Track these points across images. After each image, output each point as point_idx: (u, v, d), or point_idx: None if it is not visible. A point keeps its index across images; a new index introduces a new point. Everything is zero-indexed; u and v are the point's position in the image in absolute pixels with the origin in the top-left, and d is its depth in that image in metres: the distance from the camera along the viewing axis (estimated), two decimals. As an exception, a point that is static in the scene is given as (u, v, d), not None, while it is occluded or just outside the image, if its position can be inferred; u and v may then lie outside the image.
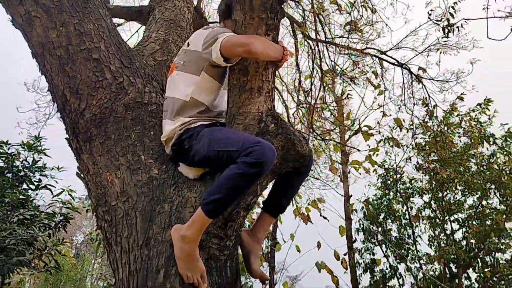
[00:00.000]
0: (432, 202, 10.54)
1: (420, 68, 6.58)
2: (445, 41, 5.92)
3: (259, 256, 2.06)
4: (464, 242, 9.57)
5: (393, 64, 6.43)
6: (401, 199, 10.84)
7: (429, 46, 6.02)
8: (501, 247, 9.07)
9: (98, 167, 2.04)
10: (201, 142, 1.86)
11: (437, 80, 6.03)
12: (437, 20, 4.02)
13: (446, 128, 10.11)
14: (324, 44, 6.28)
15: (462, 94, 9.86)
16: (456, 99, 9.84)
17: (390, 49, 6.50)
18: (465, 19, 3.78)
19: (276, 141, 1.84)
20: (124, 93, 2.16)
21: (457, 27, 3.88)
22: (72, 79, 2.11)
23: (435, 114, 7.83)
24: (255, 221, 2.13)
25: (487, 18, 3.25)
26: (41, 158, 7.67)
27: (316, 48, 6.26)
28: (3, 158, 7.50)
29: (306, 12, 6.01)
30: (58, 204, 7.60)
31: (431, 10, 4.27)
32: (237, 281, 1.93)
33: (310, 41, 6.27)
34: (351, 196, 12.71)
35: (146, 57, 2.52)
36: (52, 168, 7.72)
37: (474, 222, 9.56)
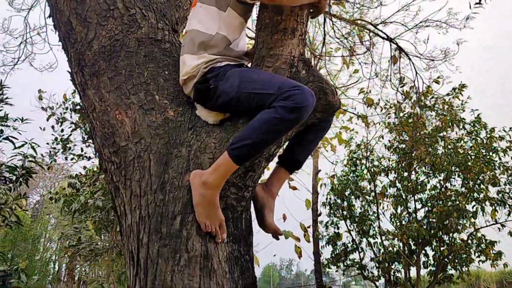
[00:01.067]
0: (397, 182, 10.79)
1: (398, 47, 6.55)
2: (436, 20, 5.89)
3: (273, 211, 1.96)
4: (425, 221, 9.88)
5: (382, 38, 6.39)
6: (368, 176, 11.03)
7: (420, 22, 5.99)
8: (459, 227, 9.42)
9: (106, 105, 1.86)
10: (229, 82, 1.72)
11: (425, 58, 6.04)
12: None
13: (419, 110, 10.27)
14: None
15: (438, 77, 10.00)
16: (432, 81, 10.01)
17: (381, 23, 6.44)
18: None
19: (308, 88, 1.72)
20: (137, 27, 1.97)
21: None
22: (80, 4, 1.90)
23: (412, 94, 7.90)
24: (270, 175, 2.02)
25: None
26: (2, 107, 7.20)
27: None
28: (-38, 106, 7.01)
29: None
30: (19, 157, 7.22)
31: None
32: (251, 234, 1.83)
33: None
34: (320, 171, 12.85)
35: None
36: (16, 119, 7.29)
37: (436, 203, 9.87)
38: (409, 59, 6.55)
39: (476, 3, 3.88)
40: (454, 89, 10.14)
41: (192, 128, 1.80)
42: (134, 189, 1.72)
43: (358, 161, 11.15)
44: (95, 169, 7.77)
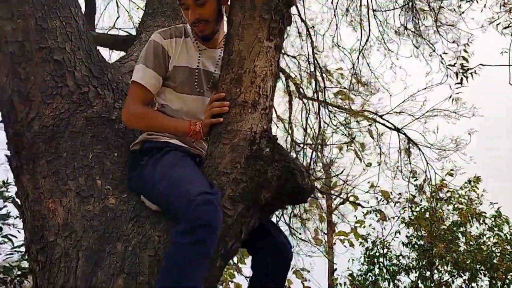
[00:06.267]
0: (419, 282, 10.02)
1: (407, 138, 6.33)
2: (444, 108, 5.77)
3: None
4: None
5: (389, 128, 6.21)
6: (387, 276, 10.28)
7: (427, 111, 5.84)
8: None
9: (40, 192, 1.58)
10: (155, 170, 1.53)
11: (436, 148, 5.79)
12: (450, 65, 3.81)
13: (435, 204, 9.78)
14: (320, 103, 6.04)
15: (451, 170, 9.63)
16: (446, 174, 9.62)
17: (387, 113, 6.32)
18: (482, 64, 3.56)
19: (271, 169, 1.43)
20: (88, 105, 1.76)
21: (471, 73, 3.64)
22: (23, 82, 1.71)
23: (426, 187, 7.54)
24: None
25: (509, 65, 3.01)
26: (6, 205, 7.01)
27: (311, 107, 5.98)
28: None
29: (302, 69, 5.82)
30: (17, 257, 6.84)
31: (444, 53, 4.08)
32: None
33: (305, 100, 6.02)
34: (336, 269, 12.05)
35: (122, 74, 2.16)
36: (16, 217, 7.04)
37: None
38: (419, 149, 6.30)
39: (457, 83, 3.73)
40: (469, 181, 9.70)
41: (135, 218, 1.50)
42: (56, 297, 1.37)
43: (375, 259, 10.43)
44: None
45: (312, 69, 4.78)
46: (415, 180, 8.37)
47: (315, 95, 4.80)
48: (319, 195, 7.25)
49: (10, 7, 1.74)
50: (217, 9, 1.64)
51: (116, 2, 6.06)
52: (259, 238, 1.63)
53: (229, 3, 1.63)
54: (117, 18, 6.20)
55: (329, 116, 5.25)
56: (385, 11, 4.85)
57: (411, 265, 9.86)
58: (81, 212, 1.51)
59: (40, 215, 1.55)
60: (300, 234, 6.60)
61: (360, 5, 5.80)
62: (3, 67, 1.73)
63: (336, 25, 5.13)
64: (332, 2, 5.07)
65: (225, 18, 1.74)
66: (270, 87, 1.55)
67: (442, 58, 3.99)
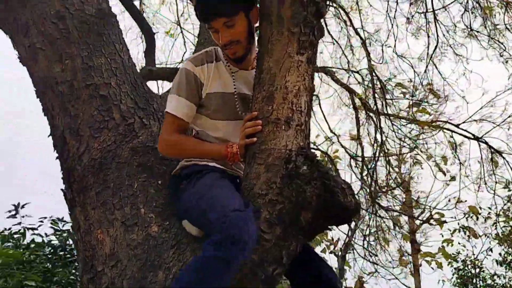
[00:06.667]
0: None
1: (489, 147, 5.82)
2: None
3: None
4: None
5: (468, 137, 5.80)
6: (484, 298, 9.43)
7: (509, 116, 5.37)
8: None
9: (90, 223, 1.64)
10: (193, 191, 1.53)
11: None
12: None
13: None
14: (388, 117, 5.78)
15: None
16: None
17: (463, 122, 5.90)
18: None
19: (310, 187, 1.35)
20: (133, 136, 1.81)
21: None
22: (73, 118, 1.80)
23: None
24: None
25: None
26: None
27: (379, 122, 5.75)
28: (57, 236, 7.33)
29: (366, 82, 5.63)
30: None
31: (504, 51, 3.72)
32: None
33: (372, 114, 5.80)
34: (424, 292, 11.28)
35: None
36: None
37: None
38: (503, 158, 5.82)
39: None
40: None
41: (176, 246, 1.49)
42: (103, 327, 1.39)
43: (468, 280, 9.65)
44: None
45: (372, 82, 4.61)
46: (509, 191, 7.68)
47: (375, 107, 4.62)
48: (397, 214, 6.87)
49: (58, 49, 1.86)
50: (248, 29, 1.61)
51: (183, 37, 6.30)
52: (301, 271, 1.56)
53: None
54: (184, 52, 6.44)
55: (393, 130, 5.00)
56: (444, 7, 4.55)
57: (508, 285, 8.98)
58: (126, 241, 1.54)
59: (90, 246, 1.60)
60: (376, 256, 6.27)
61: (426, 11, 5.54)
62: (55, 106, 1.84)
63: (394, 35, 4.92)
64: (387, 11, 4.89)
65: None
66: (304, 102, 1.49)
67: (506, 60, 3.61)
